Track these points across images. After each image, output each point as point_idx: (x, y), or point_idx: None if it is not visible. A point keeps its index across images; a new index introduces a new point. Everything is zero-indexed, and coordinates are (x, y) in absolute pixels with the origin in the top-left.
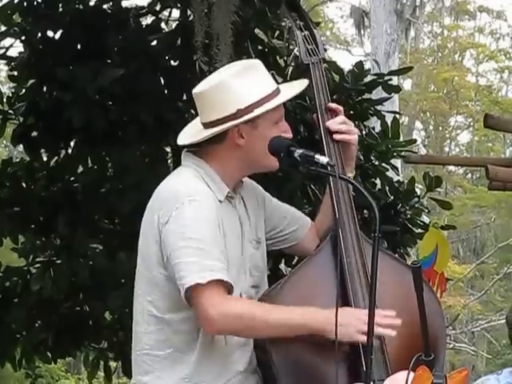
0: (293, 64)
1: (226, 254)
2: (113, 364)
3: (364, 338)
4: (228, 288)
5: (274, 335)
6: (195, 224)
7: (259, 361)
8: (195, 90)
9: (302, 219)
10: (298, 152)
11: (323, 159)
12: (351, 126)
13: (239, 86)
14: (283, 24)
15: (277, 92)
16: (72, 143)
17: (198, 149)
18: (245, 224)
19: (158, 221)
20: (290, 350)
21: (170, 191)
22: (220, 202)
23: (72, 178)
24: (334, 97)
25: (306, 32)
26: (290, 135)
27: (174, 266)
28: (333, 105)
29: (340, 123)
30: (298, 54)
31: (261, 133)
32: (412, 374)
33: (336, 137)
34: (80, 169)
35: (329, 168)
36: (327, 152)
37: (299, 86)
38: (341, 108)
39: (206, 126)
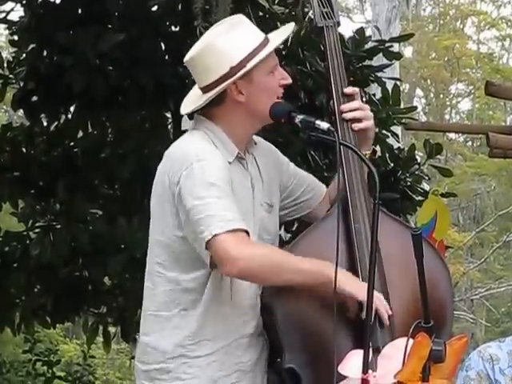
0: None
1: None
2: (112, 329)
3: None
4: (247, 235)
5: (289, 281)
6: (206, 181)
7: (265, 323)
8: (186, 58)
9: (318, 187)
10: (299, 118)
11: (324, 125)
12: (367, 111)
13: (227, 45)
14: None
15: (266, 41)
16: (72, 108)
17: (206, 112)
18: (257, 186)
19: (169, 181)
20: (296, 312)
21: (179, 153)
22: (229, 162)
23: (72, 143)
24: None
25: None
26: (288, 81)
27: (192, 225)
28: (349, 89)
29: (355, 109)
30: (312, 16)
31: (258, 84)
32: (411, 341)
33: (355, 127)
34: (80, 134)
35: (330, 134)
36: (340, 129)
37: (286, 30)
38: (357, 90)
39: (204, 90)
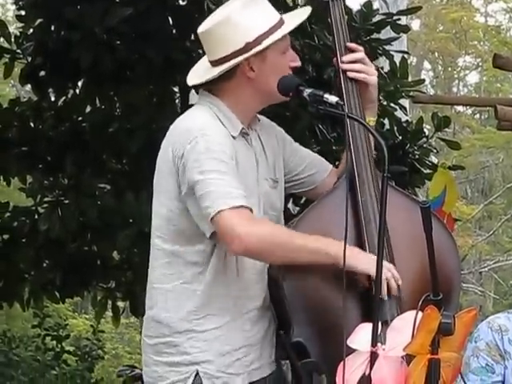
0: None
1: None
2: (121, 304)
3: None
4: (251, 213)
5: (294, 259)
6: (210, 156)
7: (272, 296)
8: (200, 29)
9: (321, 165)
10: (307, 91)
11: (332, 98)
12: (371, 67)
13: (245, 20)
14: None
15: (281, 22)
16: (80, 83)
17: (212, 87)
18: (261, 161)
19: (173, 154)
20: (303, 285)
21: (183, 127)
22: (234, 137)
23: (80, 118)
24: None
25: None
26: (298, 63)
27: (196, 199)
28: (352, 44)
29: (358, 59)
30: None
31: (270, 64)
32: (420, 314)
33: (350, 74)
34: (88, 108)
35: (339, 108)
36: (345, 94)
37: (302, 14)
38: (361, 48)
39: (215, 63)
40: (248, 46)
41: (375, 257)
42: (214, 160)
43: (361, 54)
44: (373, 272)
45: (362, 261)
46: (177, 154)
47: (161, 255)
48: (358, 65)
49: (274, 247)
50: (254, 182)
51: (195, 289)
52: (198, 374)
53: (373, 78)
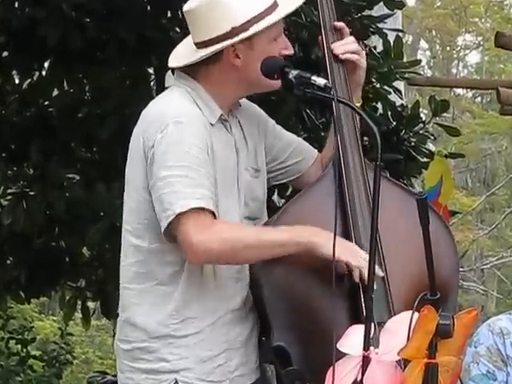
0: None
1: (216, 180)
2: (91, 304)
3: (358, 263)
4: (213, 216)
5: (264, 256)
6: (179, 149)
7: (254, 297)
8: (186, 8)
9: (308, 151)
10: (293, 73)
11: (320, 81)
12: (361, 51)
13: (233, 2)
14: None
15: (274, 6)
16: (46, 64)
17: (191, 69)
18: (241, 150)
19: (144, 143)
20: (283, 284)
21: (156, 113)
22: (212, 125)
23: (46, 102)
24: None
25: None
26: (290, 51)
27: (157, 198)
28: (339, 24)
29: (349, 44)
30: None
31: (258, 51)
32: (416, 315)
33: (341, 55)
34: (55, 92)
35: (327, 91)
36: (331, 76)
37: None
38: (347, 29)
39: (199, 45)
40: (234, 31)
41: (353, 245)
42: (183, 154)
43: (352, 38)
44: (350, 260)
45: (337, 248)
46: (148, 144)
47: (133, 252)
48: (354, 45)
49: (234, 248)
50: (234, 172)
51: (172, 290)
52: (176, 382)
53: (363, 61)
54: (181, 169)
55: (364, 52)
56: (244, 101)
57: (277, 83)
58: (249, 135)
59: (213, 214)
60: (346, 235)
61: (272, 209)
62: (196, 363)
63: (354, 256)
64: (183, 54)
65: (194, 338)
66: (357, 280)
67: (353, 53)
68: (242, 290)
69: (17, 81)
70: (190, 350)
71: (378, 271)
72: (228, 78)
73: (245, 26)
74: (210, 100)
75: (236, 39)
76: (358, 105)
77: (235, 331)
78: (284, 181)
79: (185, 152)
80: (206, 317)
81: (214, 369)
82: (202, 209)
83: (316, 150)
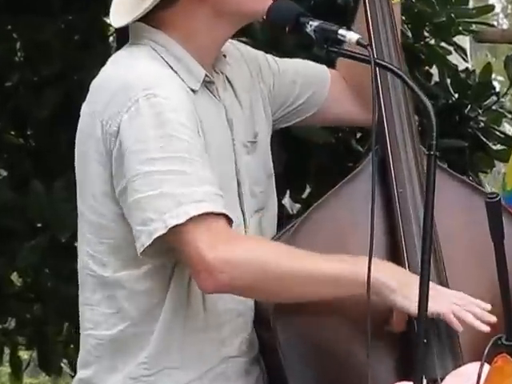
0: None
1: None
2: (24, 353)
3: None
4: (227, 221)
5: (302, 295)
6: (161, 132)
7: (261, 343)
8: None
9: (318, 75)
10: (313, 25)
11: (351, 35)
12: None
13: None
14: None
15: None
16: None
17: (149, 18)
18: (235, 119)
19: (103, 130)
20: (306, 330)
21: (115, 83)
22: (194, 91)
23: None
24: None
25: None
26: None
27: (134, 205)
28: None
29: None
30: None
31: None
32: (487, 367)
33: None
34: None
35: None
36: (373, 23)
37: None
38: None
39: None
40: None
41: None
42: (167, 139)
43: None
44: (412, 307)
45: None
46: (108, 130)
47: (97, 286)
48: None
49: (268, 279)
50: (230, 153)
51: (148, 331)
52: None
53: None
54: (168, 162)
55: None
56: (226, 46)
57: (264, 5)
58: (242, 91)
59: (227, 218)
60: (395, 256)
61: (283, 218)
62: None
63: (439, 301)
64: (128, 3)
65: None
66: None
67: None
68: (244, 330)
69: None
70: None
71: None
72: (198, 18)
73: None
74: (186, 56)
75: None
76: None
77: None
78: (299, 120)
79: (169, 136)
80: (191, 367)
81: None
82: (212, 214)
83: (326, 68)
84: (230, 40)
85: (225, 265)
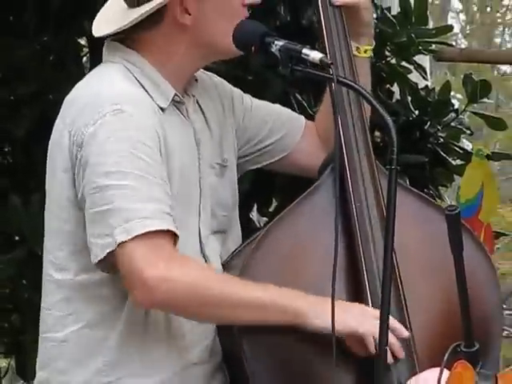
0: None
1: (171, 188)
2: (2, 361)
3: (370, 330)
4: (172, 239)
5: (233, 318)
6: (120, 148)
7: (225, 352)
8: None
9: (292, 121)
10: (278, 44)
11: (314, 55)
12: None
13: None
14: None
15: None
16: None
17: (126, 37)
18: (203, 140)
19: (70, 140)
20: (271, 340)
21: (86, 98)
22: (163, 109)
23: None
24: None
25: None
26: (257, 0)
27: (91, 216)
28: None
29: None
30: None
31: (213, 2)
32: (446, 373)
33: (336, 1)
34: None
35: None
36: (326, 27)
37: None
38: None
39: (132, 3)
40: None
41: (373, 311)
42: (127, 155)
43: None
44: (360, 329)
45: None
46: (75, 140)
47: (54, 290)
48: None
49: (203, 301)
50: (195, 173)
51: (105, 336)
52: None
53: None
54: (123, 176)
55: None
56: (199, 73)
57: None
58: (212, 118)
59: (174, 235)
60: (354, 275)
61: (250, 230)
62: None
63: (361, 322)
64: (112, 17)
65: None
66: (372, 350)
67: None
68: (206, 337)
69: None
70: None
71: (402, 330)
72: (177, 44)
73: None
74: (157, 76)
75: None
76: (370, 48)
77: None
78: (265, 163)
79: (129, 153)
80: (152, 375)
81: None
82: (159, 232)
83: (303, 117)
84: (205, 72)
85: (161, 282)
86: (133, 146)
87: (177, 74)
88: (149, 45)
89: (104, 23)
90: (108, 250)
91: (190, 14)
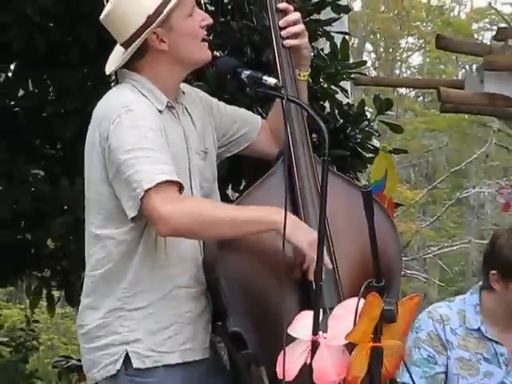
0: None
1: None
2: (56, 293)
3: (309, 249)
4: (179, 188)
5: (230, 232)
6: (135, 133)
7: (208, 284)
8: (101, 17)
9: (253, 120)
10: (245, 73)
11: (271, 80)
12: (303, 27)
13: None
14: None
15: None
16: (12, 66)
17: (130, 65)
18: (191, 135)
19: (100, 137)
20: (240, 271)
21: (106, 107)
22: (160, 111)
23: (12, 102)
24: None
25: None
26: (209, 21)
27: (123, 181)
28: (283, 5)
29: (294, 21)
30: None
31: (179, 30)
32: (362, 301)
33: (287, 42)
34: (21, 92)
35: (279, 90)
36: (281, 73)
37: None
38: (291, 7)
39: (125, 45)
40: (150, 20)
41: (312, 231)
42: (140, 137)
43: (297, 15)
44: (306, 248)
45: (298, 234)
46: (103, 136)
47: (95, 241)
48: (295, 27)
49: (203, 223)
50: (185, 158)
51: (127, 267)
52: (127, 354)
53: (305, 40)
54: (141, 151)
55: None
56: (186, 87)
57: (208, 54)
58: (196, 119)
59: (180, 185)
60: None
61: (226, 202)
62: (146, 335)
63: (312, 246)
64: (115, 58)
65: (143, 312)
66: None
67: (296, 34)
68: (190, 270)
69: None
70: (139, 323)
71: (328, 263)
72: (161, 64)
73: (158, 10)
74: (154, 88)
75: (154, 25)
76: (307, 74)
77: (186, 306)
78: (236, 151)
79: (142, 135)
80: (155, 291)
81: (164, 340)
82: (168, 182)
83: (260, 117)
84: (193, 88)
85: (173, 215)
86: (143, 130)
87: (167, 85)
88: (144, 67)
89: (111, 64)
90: (140, 197)
91: (165, 42)
